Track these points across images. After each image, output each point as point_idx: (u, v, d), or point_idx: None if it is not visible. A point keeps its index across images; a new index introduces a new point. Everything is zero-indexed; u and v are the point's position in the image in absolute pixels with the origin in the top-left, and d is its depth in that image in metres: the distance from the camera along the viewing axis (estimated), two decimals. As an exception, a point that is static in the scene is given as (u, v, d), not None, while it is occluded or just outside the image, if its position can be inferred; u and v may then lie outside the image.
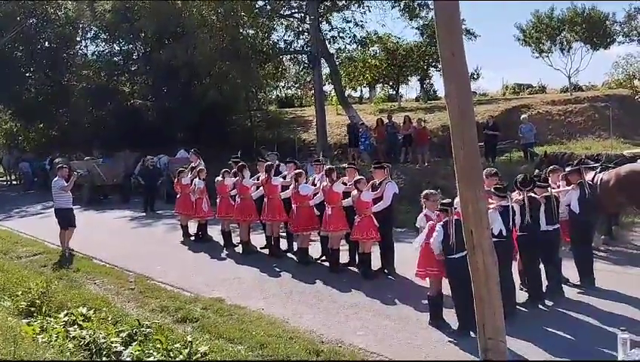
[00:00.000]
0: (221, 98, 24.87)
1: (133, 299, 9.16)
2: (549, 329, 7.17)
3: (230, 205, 12.52)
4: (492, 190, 7.64)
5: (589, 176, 10.30)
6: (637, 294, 8.11)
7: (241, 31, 26.02)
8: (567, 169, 9.48)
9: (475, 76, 39.74)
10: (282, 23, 28.35)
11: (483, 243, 4.63)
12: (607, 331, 6.66)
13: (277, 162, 12.79)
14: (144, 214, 17.81)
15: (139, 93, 29.61)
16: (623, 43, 35.95)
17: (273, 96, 40.02)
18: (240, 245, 12.39)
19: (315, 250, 11.36)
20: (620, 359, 3.88)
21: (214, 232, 13.33)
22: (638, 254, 10.58)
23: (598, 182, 10.35)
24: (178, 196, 13.84)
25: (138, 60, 29.49)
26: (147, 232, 15.39)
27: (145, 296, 9.21)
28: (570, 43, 31.92)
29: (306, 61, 27.77)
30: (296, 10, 27.65)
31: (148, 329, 6.84)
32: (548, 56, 32.80)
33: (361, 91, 42.62)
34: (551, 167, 9.75)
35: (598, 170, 10.75)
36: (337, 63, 29.67)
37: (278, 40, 28.40)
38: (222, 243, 12.84)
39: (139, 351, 6.34)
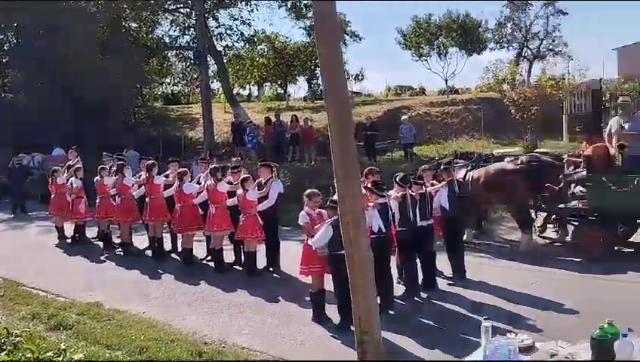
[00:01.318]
0: (102, 93, 23.72)
1: (2, 306, 8.55)
2: (423, 320, 7.59)
3: (110, 205, 12.06)
4: (371, 188, 7.93)
5: (460, 174, 10.98)
6: (503, 284, 8.74)
7: (123, 24, 25.00)
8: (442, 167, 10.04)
9: (359, 77, 40.90)
10: (167, 18, 27.61)
11: (359, 240, 4.80)
12: (475, 319, 7.12)
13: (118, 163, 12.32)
14: (13, 216, 16.64)
15: (10, 86, 27.53)
16: (494, 49, 38.62)
17: (159, 93, 38.82)
18: (120, 247, 11.95)
19: (200, 250, 11.19)
20: (483, 345, 4.15)
21: (93, 234, 12.75)
22: (505, 247, 11.40)
23: (470, 180, 11.04)
24: (53, 196, 13.09)
25: (10, 52, 27.41)
26: (18, 235, 14.43)
27: (15, 303, 8.62)
28: (446, 48, 33.73)
29: (193, 57, 27.23)
30: (182, 5, 27.04)
31: (17, 339, 6.40)
32: (427, 60, 34.49)
33: (250, 89, 42.45)
34: (424, 166, 10.26)
35: (469, 168, 11.47)
36: (225, 61, 29.36)
37: (162, 35, 27.64)
38: (101, 245, 12.31)
39: (7, 361, 5.92)
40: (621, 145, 9.51)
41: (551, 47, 37.82)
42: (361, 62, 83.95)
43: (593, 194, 9.73)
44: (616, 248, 10.20)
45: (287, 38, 33.02)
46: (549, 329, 6.35)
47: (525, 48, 38.05)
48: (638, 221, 10.28)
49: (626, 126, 9.66)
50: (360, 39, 37.71)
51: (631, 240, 10.56)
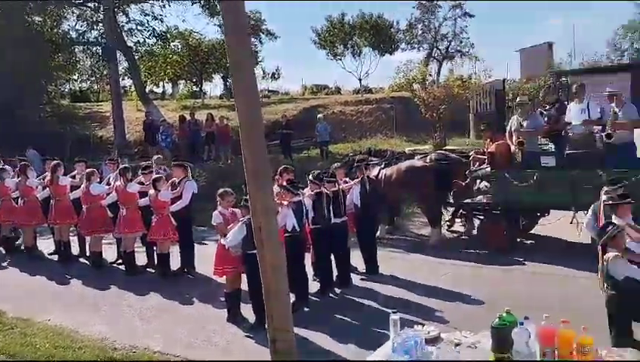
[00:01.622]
0: (2, 90, 22.37)
1: None
2: (337, 316, 7.70)
3: (12, 208, 11.42)
4: (285, 186, 7.96)
5: (374, 172, 11.24)
6: (414, 278, 9.03)
7: (26, 17, 23.67)
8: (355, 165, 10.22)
9: (276, 76, 40.91)
10: (73, 12, 26.42)
11: (272, 239, 4.81)
12: (388, 313, 7.31)
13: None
14: None
15: None
16: (406, 50, 39.78)
17: (65, 90, 37.09)
18: (25, 251, 11.35)
19: (111, 253, 10.83)
20: (391, 338, 4.26)
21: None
22: (416, 242, 11.77)
23: (382, 177, 11.31)
24: (-55, 200, 12.21)
25: None
26: None
27: None
28: (360, 48, 34.39)
29: (101, 54, 26.20)
30: (89, -1, 25.99)
31: None
32: (341, 59, 35.02)
33: (164, 87, 41.43)
34: (336, 163, 10.42)
35: (382, 165, 11.76)
36: (136, 57, 28.48)
37: (69, 29, 26.42)
38: (3, 250, 11.66)
39: None
40: (520, 143, 10.05)
41: (459, 48, 39.44)
42: (278, 61, 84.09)
43: (497, 190, 10.22)
44: (518, 240, 10.76)
45: (201, 35, 32.52)
46: (456, 320, 6.62)
47: (435, 49, 39.46)
48: (537, 214, 10.92)
49: (524, 124, 10.21)
50: (275, 38, 37.78)
51: (532, 232, 11.21)
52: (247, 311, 7.55)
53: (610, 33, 41.79)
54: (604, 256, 5.51)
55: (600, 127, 9.55)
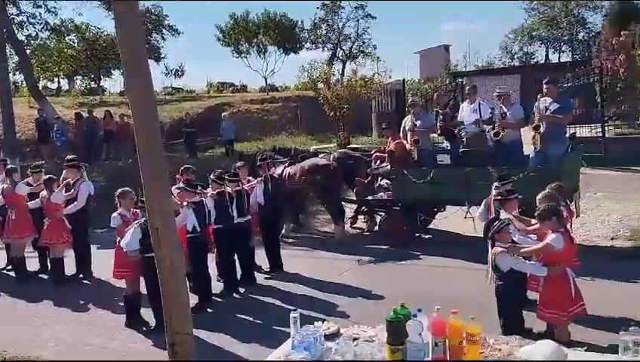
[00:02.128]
0: None
1: None
2: (240, 316, 7.64)
3: None
4: (184, 187, 7.80)
5: (278, 170, 11.26)
6: (318, 275, 9.11)
7: None
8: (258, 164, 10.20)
9: (179, 73, 40.05)
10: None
11: (169, 240, 4.68)
12: (289, 311, 7.35)
13: None
14: None
15: None
16: (311, 49, 40.23)
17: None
18: None
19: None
20: (291, 335, 4.29)
21: None
22: (320, 239, 11.90)
23: (286, 176, 11.35)
24: None
25: None
26: None
27: None
28: (265, 46, 34.38)
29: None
30: (-26, -11, 24.14)
31: None
32: (246, 57, 34.87)
33: (59, 83, 39.38)
34: (239, 162, 10.35)
35: (286, 164, 11.80)
36: (28, 52, 26.84)
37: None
38: None
39: None
40: (416, 141, 10.45)
41: (361, 48, 40.39)
42: (182, 58, 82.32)
43: (396, 187, 10.54)
44: (417, 235, 11.16)
45: (99, 28, 31.20)
46: (357, 315, 6.77)
47: (339, 49, 40.18)
48: (435, 209, 11.37)
49: (418, 123, 10.62)
50: (179, 34, 36.96)
51: (430, 227, 11.66)
52: (149, 314, 7.34)
53: (502, 37, 44.40)
54: (492, 250, 5.82)
55: (491, 126, 10.07)
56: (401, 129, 11.12)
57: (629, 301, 7.12)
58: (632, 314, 6.27)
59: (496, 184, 7.47)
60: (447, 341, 3.87)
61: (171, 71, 39.53)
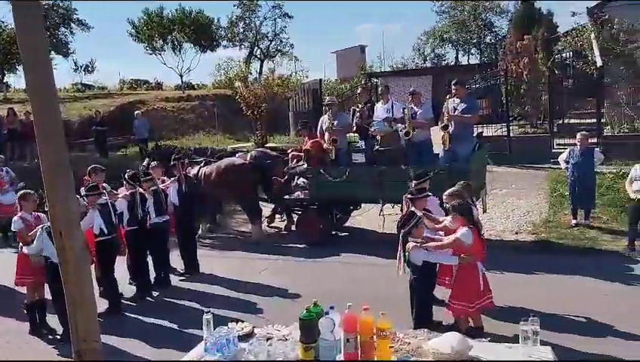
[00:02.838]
0: None
1: None
2: (154, 320, 7.43)
3: None
4: (87, 189, 7.50)
5: (194, 170, 11.07)
6: (235, 275, 9.04)
7: None
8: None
9: (89, 69, 38.53)
10: None
11: (74, 244, 4.47)
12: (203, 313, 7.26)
13: None
14: None
15: None
16: (228, 47, 39.78)
17: None
18: None
19: None
20: (205, 337, 4.23)
21: None
22: (237, 239, 11.82)
23: (202, 176, 11.17)
24: None
25: None
26: None
27: None
28: (180, 43, 33.63)
29: None
30: None
31: None
32: (161, 54, 33.99)
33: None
34: (153, 162, 10.09)
35: (202, 163, 11.61)
36: None
37: None
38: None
39: None
40: (334, 140, 10.58)
41: (279, 47, 40.39)
42: (92, 53, 79.27)
43: (313, 186, 10.62)
44: (333, 233, 11.30)
45: (2, 22, 29.46)
46: (273, 314, 6.76)
47: (256, 48, 39.97)
48: (350, 208, 11.56)
49: (335, 123, 10.76)
50: (89, 28, 35.50)
51: (346, 224, 11.84)
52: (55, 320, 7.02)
53: (415, 39, 45.77)
54: (406, 246, 5.98)
55: (403, 126, 10.34)
56: (319, 128, 11.22)
57: (530, 292, 7.55)
58: (532, 304, 6.66)
59: (414, 182, 7.61)
60: (358, 337, 3.94)
61: (81, 67, 37.96)
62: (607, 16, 16.52)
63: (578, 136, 10.64)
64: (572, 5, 68.08)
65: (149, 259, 8.66)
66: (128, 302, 8.01)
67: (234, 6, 38.71)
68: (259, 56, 40.26)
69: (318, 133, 11.12)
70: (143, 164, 11.29)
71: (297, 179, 11.33)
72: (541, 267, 8.57)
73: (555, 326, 6.05)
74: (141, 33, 33.90)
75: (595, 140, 14.20)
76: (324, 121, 10.97)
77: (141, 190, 8.41)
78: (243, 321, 4.56)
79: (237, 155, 12.57)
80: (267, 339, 4.27)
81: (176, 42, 33.31)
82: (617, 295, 7.44)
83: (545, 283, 8.01)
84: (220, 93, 28.39)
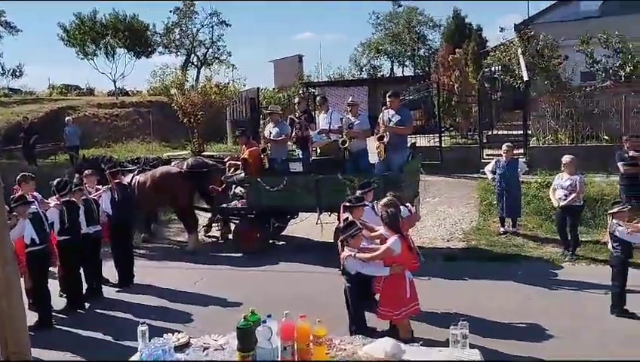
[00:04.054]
0: None
1: None
2: (86, 333, 7.27)
3: None
4: (17, 199, 7.26)
5: (127, 179, 10.85)
6: (172, 286, 8.95)
7: None
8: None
9: (17, 73, 37.06)
10: None
11: (4, 253, 4.36)
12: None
13: None
14: None
15: None
16: (164, 53, 39.15)
17: None
18: None
19: None
20: (139, 349, 4.20)
21: None
22: (174, 248, 11.66)
23: (136, 184, 10.97)
24: None
25: None
26: None
27: None
28: (114, 48, 32.79)
29: None
30: None
31: None
32: (93, 59, 33.04)
33: None
34: (87, 170, 9.85)
35: (136, 172, 11.41)
36: None
37: None
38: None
39: None
40: (263, 149, 10.67)
41: (216, 55, 40.09)
42: (20, 57, 76.27)
43: (250, 194, 10.64)
44: (271, 241, 11.34)
45: None
46: (210, 324, 6.71)
47: (193, 55, 39.54)
48: (288, 216, 11.63)
49: (274, 132, 10.84)
50: (17, 31, 34.16)
51: (284, 233, 11.90)
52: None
53: (352, 50, 46.43)
54: (342, 254, 6.08)
55: (339, 135, 10.53)
56: (262, 137, 11.27)
57: (461, 297, 7.85)
58: (461, 309, 6.94)
59: (359, 191, 7.72)
60: (295, 344, 4.02)
61: (8, 71, 36.42)
62: (532, 33, 17.36)
63: (503, 147, 11.13)
64: (501, 21, 71.12)
65: (81, 270, 8.43)
66: (60, 315, 7.78)
67: (170, 12, 38.21)
68: (196, 63, 39.82)
69: (262, 141, 11.16)
70: (76, 175, 10.99)
71: (235, 187, 11.32)
72: (471, 273, 8.92)
73: (484, 330, 6.33)
74: (72, 37, 32.86)
75: (521, 151, 14.89)
76: (266, 129, 11.14)
77: (73, 199, 8.20)
78: (179, 332, 4.55)
79: (172, 163, 12.43)
80: (204, 349, 4.28)
81: (109, 47, 32.44)
82: (541, 298, 7.84)
83: (474, 288, 8.33)
84: (156, 100, 27.85)
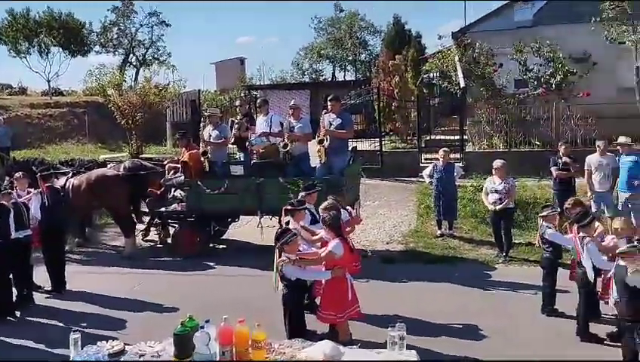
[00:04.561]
0: None
1: None
2: (15, 341, 6.98)
3: None
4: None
5: (61, 181, 10.49)
6: (107, 292, 8.68)
7: None
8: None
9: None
10: None
11: None
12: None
13: None
14: None
15: None
16: (100, 53, 38.14)
17: None
18: None
19: None
20: (72, 358, 4.08)
21: None
22: (110, 253, 11.34)
23: (70, 187, 10.62)
24: None
25: None
26: None
27: None
28: (48, 47, 31.69)
29: None
30: None
31: None
32: (26, 58, 31.83)
33: None
34: (18, 173, 9.47)
35: (70, 175, 11.05)
36: None
37: None
38: None
39: None
40: (204, 152, 10.56)
41: (156, 55, 39.37)
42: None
43: (190, 198, 10.48)
44: (211, 245, 11.20)
45: None
46: (146, 330, 6.52)
47: (131, 55, 38.68)
48: (228, 220, 11.53)
49: (213, 134, 10.72)
50: None
51: (224, 237, 11.78)
52: None
53: (294, 54, 46.56)
54: (279, 260, 6.04)
55: (280, 139, 10.52)
56: (201, 140, 11.12)
57: (398, 299, 8.00)
58: (399, 310, 7.07)
59: (301, 194, 7.72)
60: (234, 349, 4.00)
61: None
62: (469, 41, 17.86)
63: (440, 152, 11.42)
64: (440, 28, 72.93)
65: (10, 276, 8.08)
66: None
67: (108, 10, 37.27)
68: (134, 63, 38.98)
69: (202, 144, 11.01)
70: (6, 178, 10.54)
71: (174, 191, 11.13)
72: (410, 275, 9.09)
73: (422, 331, 6.48)
74: (4, 34, 31.57)
75: (458, 155, 15.29)
76: (205, 132, 11.01)
77: (2, 202, 7.87)
78: (114, 339, 4.44)
79: (109, 166, 12.12)
80: (140, 356, 4.19)
81: (43, 45, 31.30)
82: (476, 299, 8.08)
83: (412, 290, 8.50)
84: (92, 101, 27.04)
